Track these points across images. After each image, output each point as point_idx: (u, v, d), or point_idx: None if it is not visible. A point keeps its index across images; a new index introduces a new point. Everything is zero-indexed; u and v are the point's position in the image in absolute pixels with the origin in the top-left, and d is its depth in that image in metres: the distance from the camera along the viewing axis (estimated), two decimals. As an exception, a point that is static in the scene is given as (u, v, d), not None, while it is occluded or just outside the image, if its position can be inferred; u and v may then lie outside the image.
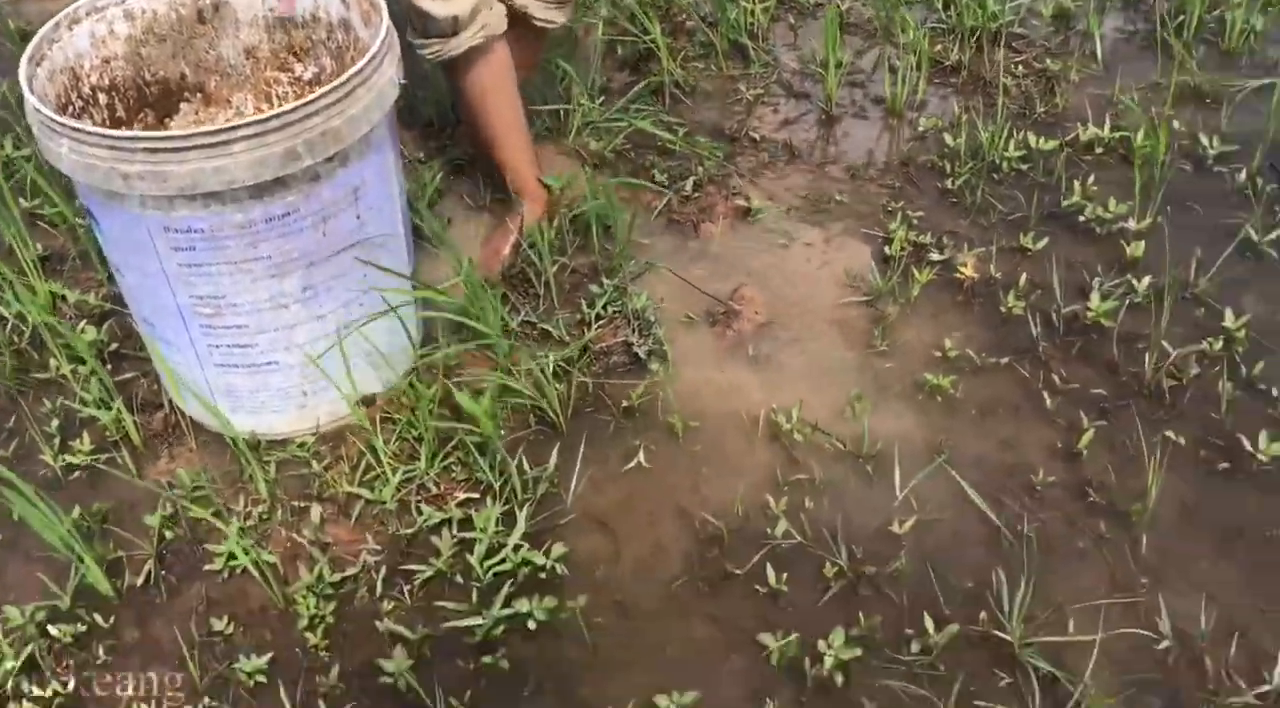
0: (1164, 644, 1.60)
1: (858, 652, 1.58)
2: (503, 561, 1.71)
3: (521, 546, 1.72)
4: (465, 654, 1.64)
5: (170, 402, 1.94)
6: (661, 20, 2.68)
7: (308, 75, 1.96)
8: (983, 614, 1.63)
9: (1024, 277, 2.09)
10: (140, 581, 1.73)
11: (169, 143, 1.49)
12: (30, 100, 1.56)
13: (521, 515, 1.75)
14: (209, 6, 1.89)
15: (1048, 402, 1.91)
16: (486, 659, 1.62)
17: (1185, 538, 1.73)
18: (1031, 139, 2.34)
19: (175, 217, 1.57)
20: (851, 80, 2.60)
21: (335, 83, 1.55)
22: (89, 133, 1.50)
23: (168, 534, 1.78)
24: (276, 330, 1.74)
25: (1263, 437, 1.80)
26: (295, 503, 1.81)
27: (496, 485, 1.79)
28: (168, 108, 1.95)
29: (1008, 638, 1.59)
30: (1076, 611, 1.64)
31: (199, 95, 1.97)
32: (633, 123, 2.42)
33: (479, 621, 1.64)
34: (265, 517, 1.79)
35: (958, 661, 1.59)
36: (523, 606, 1.65)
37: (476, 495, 1.80)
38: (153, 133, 1.55)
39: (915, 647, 1.60)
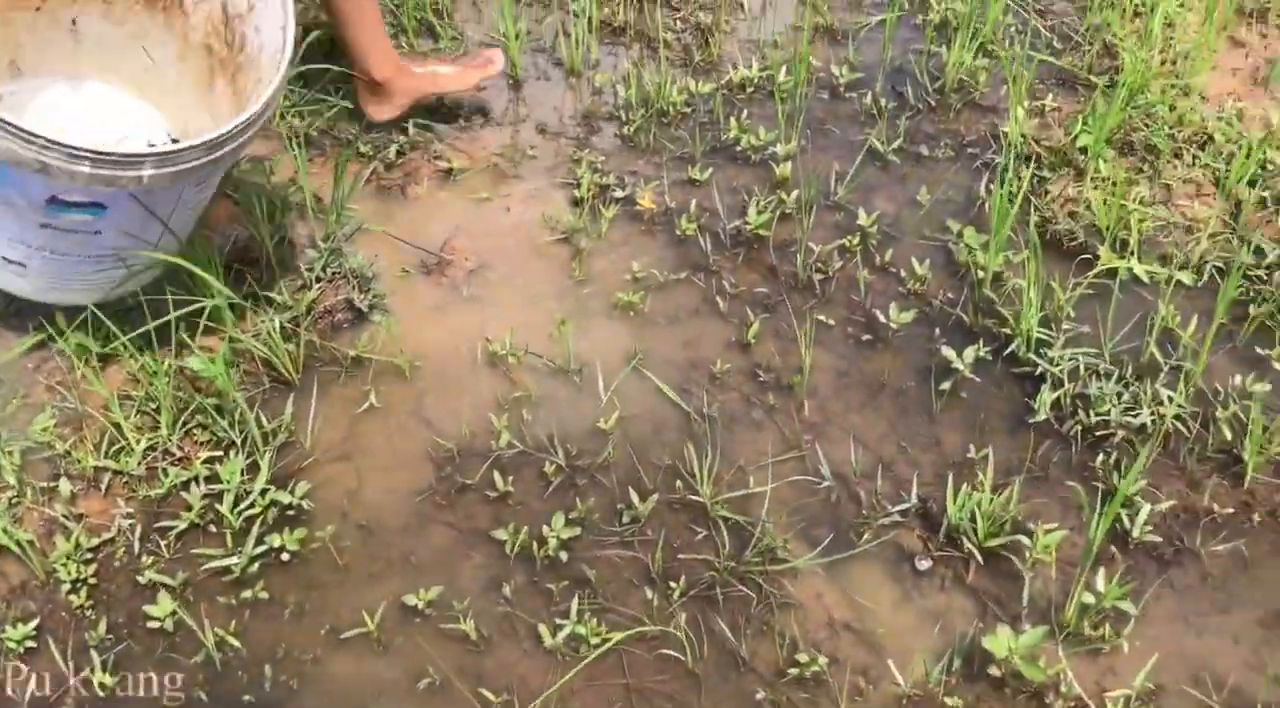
0: (825, 485, 1.93)
1: (577, 531, 1.84)
2: (252, 505, 1.86)
3: (268, 489, 1.88)
4: (226, 592, 1.79)
5: (-101, 409, 1.98)
6: (350, 4, 2.84)
7: None
8: (679, 484, 1.91)
9: (694, 203, 2.39)
10: (-109, 578, 1.79)
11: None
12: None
13: (264, 463, 1.90)
14: None
15: (721, 305, 2.22)
16: (246, 594, 1.78)
17: (838, 399, 2.07)
18: (692, 85, 2.65)
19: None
20: (534, 47, 2.83)
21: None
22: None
23: (-86, 532, 1.84)
24: None
25: (893, 309, 2.16)
26: (44, 484, 1.90)
27: (238, 441, 1.94)
28: None
29: (701, 500, 1.89)
30: (755, 470, 1.95)
31: None
32: (333, 104, 2.58)
33: (235, 560, 1.80)
34: (15, 501, 1.88)
35: (661, 524, 1.87)
36: (275, 540, 1.82)
37: (219, 453, 1.94)
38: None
39: (626, 518, 1.87)
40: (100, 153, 1.65)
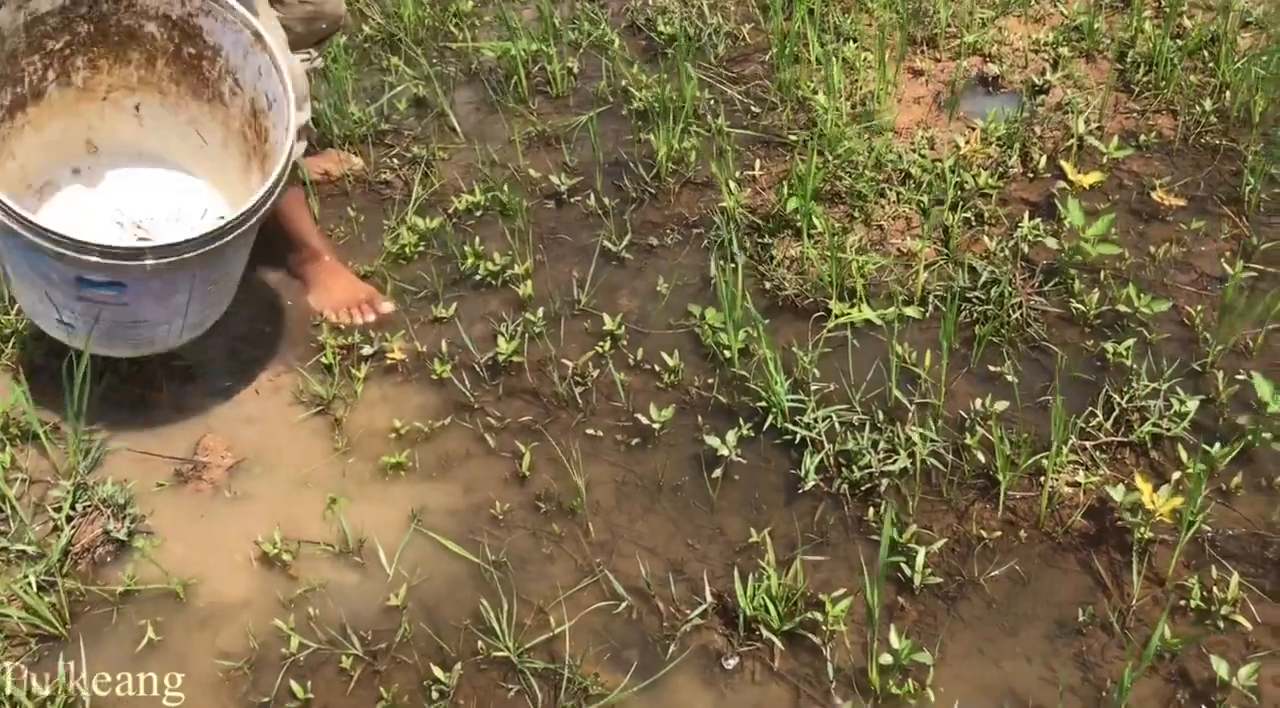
0: (624, 605, 1.94)
1: (387, 721, 1.80)
2: (38, 787, 1.76)
3: (53, 765, 1.78)
4: None
5: None
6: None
7: (59, 45, 2.24)
8: (481, 644, 1.89)
9: (444, 343, 2.39)
10: None
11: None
12: None
13: (44, 737, 1.80)
14: None
15: (491, 441, 2.22)
16: None
17: (621, 511, 2.09)
18: (420, 222, 2.65)
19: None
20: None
21: None
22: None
23: None
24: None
25: (653, 409, 2.21)
26: None
27: (12, 719, 1.83)
28: None
29: (506, 654, 1.87)
30: (554, 607, 1.95)
31: None
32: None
33: None
34: None
35: (472, 690, 1.85)
36: (70, 819, 1.72)
37: (-6, 737, 1.83)
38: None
39: (435, 694, 1.83)
40: (105, 246, 1.99)
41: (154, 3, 2.19)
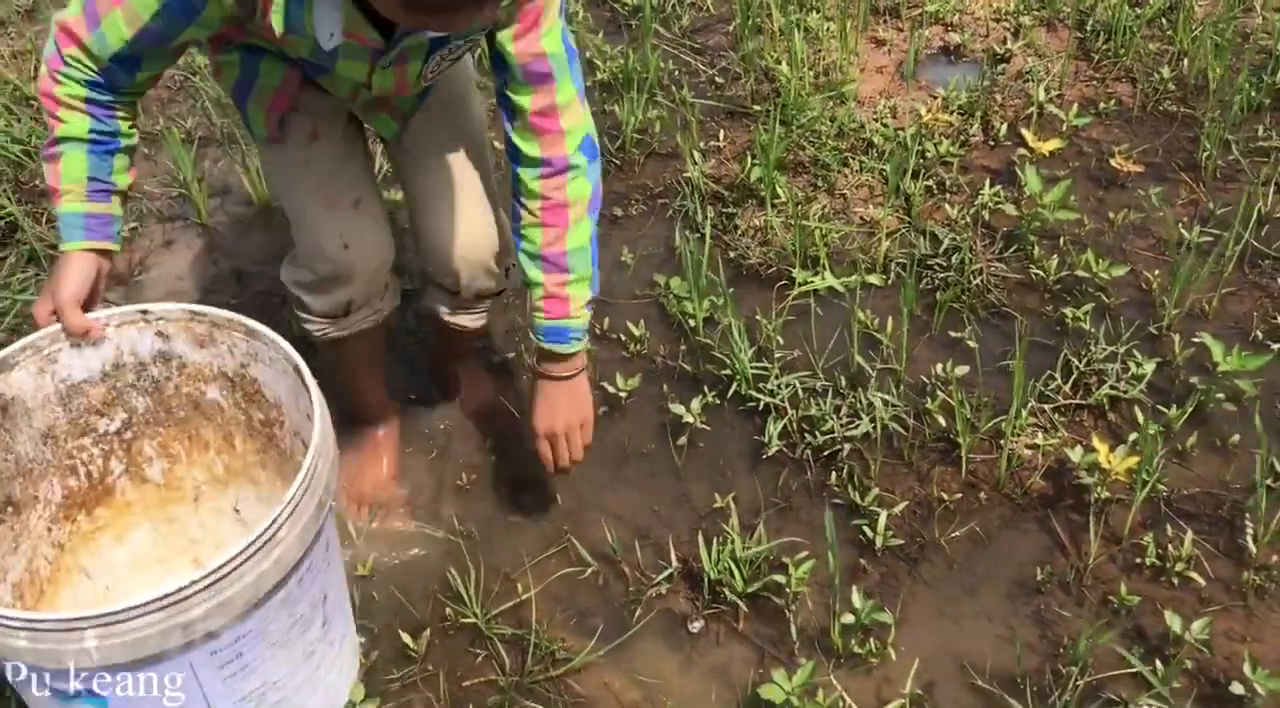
0: (590, 571, 1.96)
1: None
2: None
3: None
4: None
5: None
6: (16, 191, 2.73)
7: (114, 426, 1.72)
8: (449, 610, 1.91)
9: (410, 315, 2.39)
10: None
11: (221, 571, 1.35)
12: None
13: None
14: None
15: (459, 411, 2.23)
16: None
17: (587, 479, 2.10)
18: (384, 196, 2.65)
19: (221, 639, 1.43)
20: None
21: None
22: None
23: None
24: (306, 674, 1.61)
25: (619, 377, 2.22)
26: None
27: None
28: None
29: (474, 620, 1.89)
30: (521, 575, 1.96)
31: (9, 509, 1.65)
32: (15, 300, 2.46)
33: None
34: None
35: (443, 656, 1.86)
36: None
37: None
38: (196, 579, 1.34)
39: (403, 661, 1.85)
40: (34, 619, 1.33)
41: (205, 359, 1.67)
